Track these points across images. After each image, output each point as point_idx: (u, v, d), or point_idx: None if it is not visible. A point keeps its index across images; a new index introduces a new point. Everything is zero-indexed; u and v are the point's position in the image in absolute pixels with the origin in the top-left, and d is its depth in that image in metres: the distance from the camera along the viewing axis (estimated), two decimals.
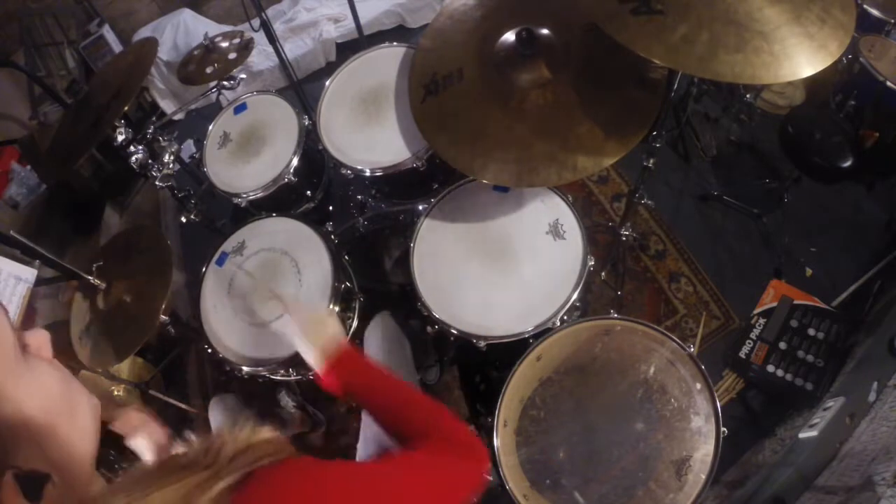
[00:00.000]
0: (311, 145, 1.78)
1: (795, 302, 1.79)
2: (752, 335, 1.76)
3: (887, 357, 1.41)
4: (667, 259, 2.07)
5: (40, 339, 0.60)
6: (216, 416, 1.39)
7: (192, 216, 1.93)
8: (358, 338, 1.58)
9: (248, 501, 0.52)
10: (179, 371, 2.21)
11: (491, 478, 1.80)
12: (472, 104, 1.33)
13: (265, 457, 0.55)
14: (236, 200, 1.70)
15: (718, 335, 1.92)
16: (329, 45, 2.91)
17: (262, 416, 1.54)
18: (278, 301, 1.00)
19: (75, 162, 1.55)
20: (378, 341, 1.35)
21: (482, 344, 1.30)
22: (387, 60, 1.69)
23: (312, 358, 0.92)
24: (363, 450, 1.18)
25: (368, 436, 1.19)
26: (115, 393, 2.02)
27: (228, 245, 1.59)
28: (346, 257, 1.67)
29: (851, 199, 2.08)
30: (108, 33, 2.78)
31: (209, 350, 1.44)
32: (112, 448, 1.20)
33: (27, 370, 0.53)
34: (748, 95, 2.15)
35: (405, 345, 1.39)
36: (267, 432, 0.59)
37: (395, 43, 1.73)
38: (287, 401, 1.86)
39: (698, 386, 1.13)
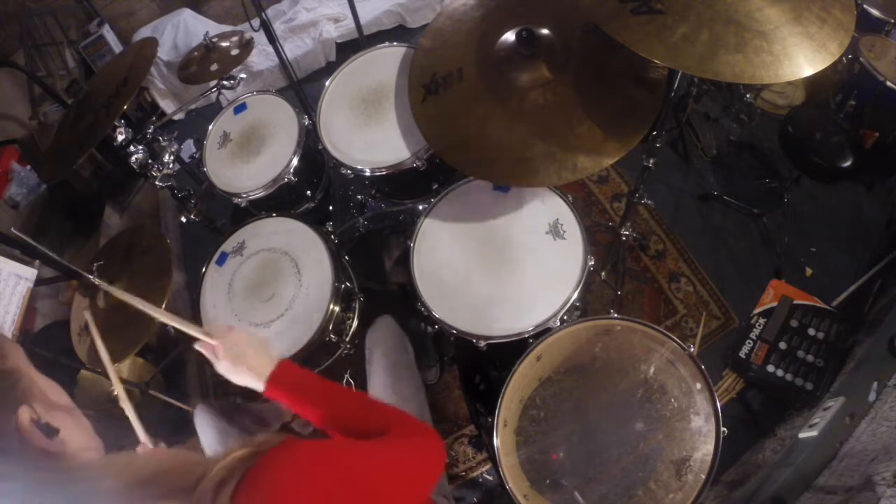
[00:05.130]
0: (311, 145, 1.78)
1: (795, 302, 1.79)
2: (752, 335, 1.76)
3: (887, 357, 1.41)
4: (667, 259, 2.07)
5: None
6: (202, 426, 1.37)
7: (192, 216, 1.92)
8: (358, 338, 1.59)
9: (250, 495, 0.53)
10: (179, 371, 2.21)
11: (491, 477, 1.82)
12: (472, 104, 1.33)
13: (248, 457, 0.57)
14: (236, 200, 1.70)
15: (718, 335, 1.92)
16: (329, 45, 2.91)
17: (250, 415, 1.52)
18: (205, 339, 0.96)
19: (75, 162, 1.55)
20: (381, 347, 1.34)
21: (482, 344, 1.30)
22: (387, 60, 1.69)
23: (252, 381, 0.90)
24: None
25: None
26: (115, 393, 2.02)
27: (228, 245, 1.59)
28: (346, 257, 1.67)
29: (851, 199, 2.08)
30: (108, 33, 2.78)
31: None
32: None
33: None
34: (748, 95, 2.15)
35: (408, 349, 1.39)
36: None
37: (395, 43, 1.73)
38: None
39: (698, 386, 1.13)
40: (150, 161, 1.70)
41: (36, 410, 0.54)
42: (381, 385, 1.28)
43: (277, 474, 0.56)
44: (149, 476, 0.51)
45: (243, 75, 2.01)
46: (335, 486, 0.60)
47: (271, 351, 0.93)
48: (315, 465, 0.61)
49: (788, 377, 1.68)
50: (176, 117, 2.71)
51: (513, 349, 1.26)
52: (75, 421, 0.60)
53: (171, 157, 1.78)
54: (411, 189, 1.75)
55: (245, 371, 0.89)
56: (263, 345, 0.93)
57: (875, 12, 1.80)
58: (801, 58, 0.96)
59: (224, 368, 0.92)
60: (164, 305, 1.48)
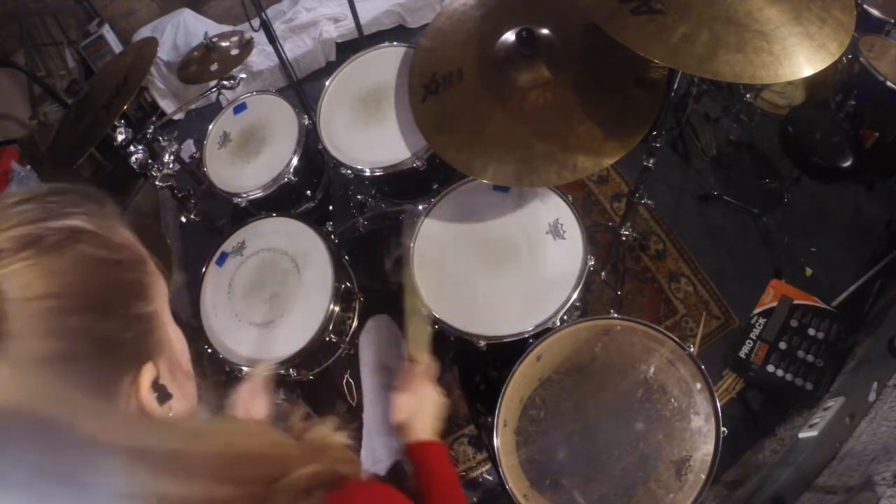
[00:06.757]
0: (311, 145, 1.78)
1: (795, 302, 1.79)
2: (752, 335, 1.76)
3: (887, 357, 1.41)
4: (667, 259, 2.07)
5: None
6: None
7: (192, 216, 1.92)
8: (357, 338, 1.59)
9: None
10: None
11: (491, 477, 1.82)
12: (472, 104, 1.33)
13: (338, 463, 0.54)
14: (236, 200, 1.70)
15: (718, 335, 1.92)
16: (329, 45, 2.91)
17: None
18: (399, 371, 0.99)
19: (75, 162, 1.54)
20: (373, 343, 1.35)
21: (482, 344, 1.30)
22: (387, 60, 1.69)
23: (403, 427, 0.90)
24: (367, 456, 1.18)
25: (373, 443, 1.18)
26: None
27: (228, 245, 1.59)
28: (346, 257, 1.67)
29: (851, 199, 2.08)
30: (108, 33, 2.78)
31: (209, 350, 1.44)
32: None
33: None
34: (748, 95, 2.15)
35: (401, 346, 1.39)
36: (341, 437, 0.58)
37: (395, 43, 1.73)
38: (280, 395, 1.87)
39: (698, 386, 1.13)
40: (150, 161, 1.70)
41: (159, 369, 0.48)
42: (372, 384, 1.29)
43: None
44: (248, 454, 0.46)
45: (243, 75, 2.01)
46: None
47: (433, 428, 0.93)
48: None
49: (788, 377, 1.68)
50: (176, 117, 2.71)
51: (513, 349, 1.26)
52: (190, 385, 0.54)
53: (171, 157, 1.78)
54: (411, 189, 1.75)
55: (412, 415, 0.90)
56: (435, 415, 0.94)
57: (875, 12, 1.80)
58: (801, 58, 0.96)
59: (410, 392, 0.93)
60: None
